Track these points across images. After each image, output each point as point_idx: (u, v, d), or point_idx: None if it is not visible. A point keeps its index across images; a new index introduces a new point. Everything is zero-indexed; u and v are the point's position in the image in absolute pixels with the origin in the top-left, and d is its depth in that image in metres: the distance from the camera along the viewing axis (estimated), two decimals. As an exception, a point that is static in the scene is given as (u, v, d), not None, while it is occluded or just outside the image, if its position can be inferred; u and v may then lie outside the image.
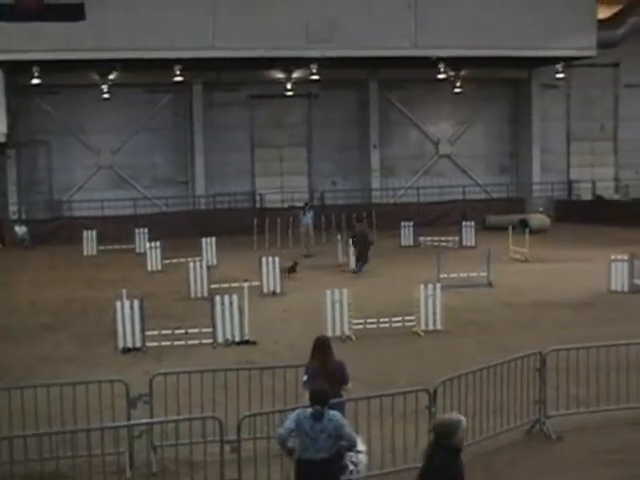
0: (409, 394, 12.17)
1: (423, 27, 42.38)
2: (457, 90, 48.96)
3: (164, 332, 20.17)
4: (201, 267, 27.07)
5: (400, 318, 21.20)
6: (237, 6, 40.53)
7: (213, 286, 26.16)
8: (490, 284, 27.15)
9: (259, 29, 40.36)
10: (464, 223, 38.77)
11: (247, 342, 19.97)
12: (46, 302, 26.30)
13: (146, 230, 38.22)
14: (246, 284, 21.19)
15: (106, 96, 45.22)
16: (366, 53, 42.47)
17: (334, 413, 9.99)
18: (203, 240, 34.23)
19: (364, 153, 50.42)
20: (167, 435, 12.46)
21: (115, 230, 41.00)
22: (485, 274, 27.38)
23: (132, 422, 12.14)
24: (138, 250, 37.31)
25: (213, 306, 20.01)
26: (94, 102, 45.66)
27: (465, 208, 46.06)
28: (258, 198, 48.67)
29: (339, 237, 34.21)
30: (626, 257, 26.19)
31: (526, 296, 25.56)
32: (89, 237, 39.17)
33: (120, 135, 47.46)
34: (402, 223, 39.44)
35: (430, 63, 44.86)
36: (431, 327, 21.04)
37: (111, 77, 44.89)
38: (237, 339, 20.02)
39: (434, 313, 21.13)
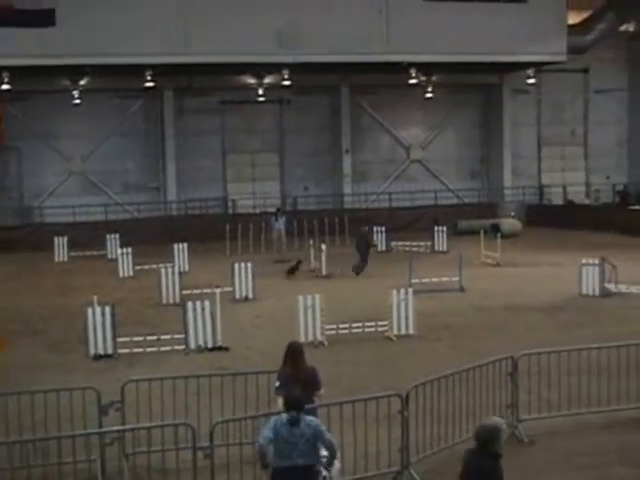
0: (382, 399, 12.18)
1: (394, 32, 42.48)
2: (428, 95, 49.06)
3: (136, 339, 20.08)
4: (173, 273, 26.95)
5: (373, 323, 21.22)
6: (208, 11, 40.47)
7: (185, 292, 26.07)
8: (462, 289, 27.21)
9: (230, 34, 40.30)
10: (436, 228, 38.84)
11: (219, 348, 19.92)
12: (16, 309, 26.11)
13: (117, 236, 38.05)
14: (218, 290, 21.12)
15: (77, 102, 44.98)
16: (337, 58, 42.50)
17: (312, 419, 9.98)
18: (175, 246, 34.10)
19: (336, 158, 50.46)
20: (139, 442, 12.41)
21: (86, 236, 40.78)
22: (457, 279, 27.45)
23: (104, 429, 12.08)
24: (109, 256, 37.15)
25: (185, 312, 19.95)
26: (65, 108, 45.42)
27: (437, 213, 46.20)
28: (230, 204, 48.61)
29: (311, 242, 34.19)
30: (597, 261, 26.33)
31: (498, 300, 25.65)
32: (60, 243, 38.93)
33: (91, 141, 47.26)
34: (374, 228, 39.46)
35: (401, 68, 44.94)
36: (403, 332, 21.06)
37: (82, 83, 44.67)
38: (209, 345, 19.96)
39: (406, 318, 21.15)
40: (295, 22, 41.06)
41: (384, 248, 38.71)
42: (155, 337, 20.15)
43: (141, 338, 20.14)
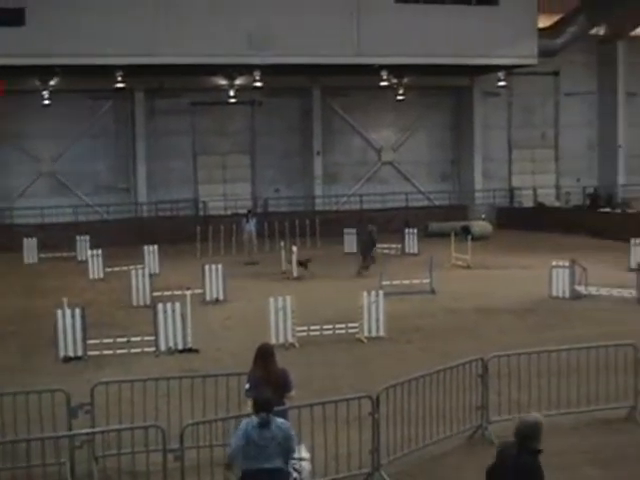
0: (352, 401, 12.17)
1: (365, 35, 42.52)
2: (400, 97, 49.11)
3: (106, 341, 20.00)
4: (143, 275, 26.86)
5: (343, 325, 21.24)
6: (179, 13, 40.34)
7: (155, 294, 25.96)
8: (433, 291, 27.27)
9: (201, 36, 40.19)
10: (407, 230, 38.90)
11: (190, 350, 19.88)
12: (-15, 311, 25.96)
13: (88, 238, 37.80)
14: (189, 292, 21.08)
15: (47, 102, 44.71)
16: (309, 60, 42.47)
17: (283, 421, 9.95)
18: (145, 248, 33.98)
19: (307, 160, 50.46)
20: (109, 445, 12.37)
21: (56, 237, 40.49)
22: (428, 281, 27.50)
23: (73, 432, 12.01)
24: (79, 258, 36.92)
25: (155, 314, 19.89)
26: (35, 108, 45.13)
27: (407, 215, 46.24)
28: (201, 205, 48.50)
29: (282, 244, 34.17)
30: (567, 263, 26.47)
31: (468, 302, 25.72)
32: (29, 245, 38.70)
33: (61, 142, 46.98)
34: (345, 230, 39.48)
35: (373, 71, 45.02)
36: (374, 334, 21.08)
37: (52, 83, 44.40)
38: (180, 347, 19.91)
39: (377, 320, 21.18)
40: (266, 24, 40.98)
41: (354, 250, 38.68)
42: (125, 339, 20.07)
43: (111, 340, 20.05)
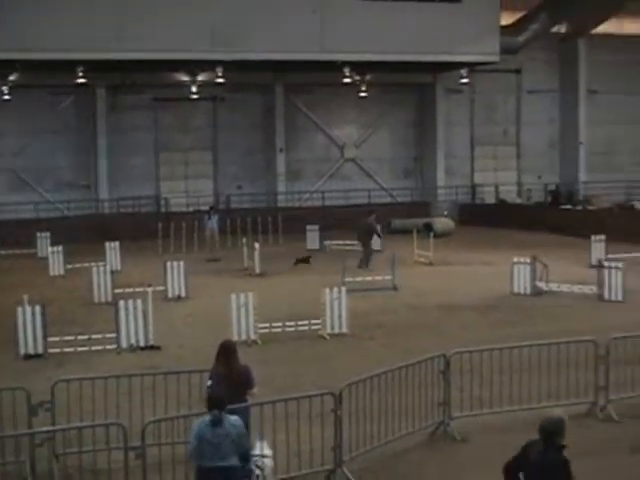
0: (314, 397, 12.18)
1: (329, 31, 42.49)
2: (362, 94, 49.15)
3: (67, 338, 19.89)
4: (105, 272, 26.69)
5: (306, 322, 21.24)
6: (141, 8, 40.10)
7: (117, 291, 25.83)
8: (395, 287, 27.32)
9: (163, 31, 39.97)
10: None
11: (152, 347, 19.80)
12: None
13: (48, 234, 37.47)
14: (150, 289, 20.97)
15: (7, 97, 44.31)
16: (272, 56, 42.40)
17: (236, 419, 9.92)
18: (107, 244, 33.77)
19: (270, 157, 50.38)
20: (70, 443, 12.29)
21: (16, 234, 40.12)
22: (390, 277, 27.55)
23: (34, 430, 11.93)
24: (40, 255, 36.60)
25: (117, 311, 19.80)
26: (-5, 104, 44.80)
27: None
28: (163, 202, 48.25)
29: (244, 241, 34.10)
30: (528, 260, 26.62)
31: (431, 299, 25.81)
32: (-11, 242, 38.39)
33: (22, 137, 46.51)
34: (308, 227, 39.47)
35: (336, 67, 45.00)
36: (337, 330, 21.10)
37: (12, 78, 44.01)
38: (141, 344, 19.83)
39: (340, 317, 21.19)
40: (229, 20, 40.86)
41: (317, 247, 38.73)
42: (86, 336, 19.98)
43: (72, 337, 19.95)
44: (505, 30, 46.80)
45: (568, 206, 48.27)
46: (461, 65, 47.71)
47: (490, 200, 52.60)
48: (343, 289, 21.77)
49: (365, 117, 52.02)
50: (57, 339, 19.68)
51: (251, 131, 50.25)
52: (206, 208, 41.27)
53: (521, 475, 8.43)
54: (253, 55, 41.76)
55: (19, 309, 19.28)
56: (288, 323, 21.18)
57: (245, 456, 9.96)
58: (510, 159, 55.36)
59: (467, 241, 40.69)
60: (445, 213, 48.07)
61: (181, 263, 27.03)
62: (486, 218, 47.69)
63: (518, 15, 49.91)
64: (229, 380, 11.49)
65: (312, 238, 39.15)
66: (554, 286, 26.46)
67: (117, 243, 33.86)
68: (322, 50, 42.64)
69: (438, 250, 34.11)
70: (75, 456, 12.05)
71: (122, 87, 47.27)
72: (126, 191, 47.46)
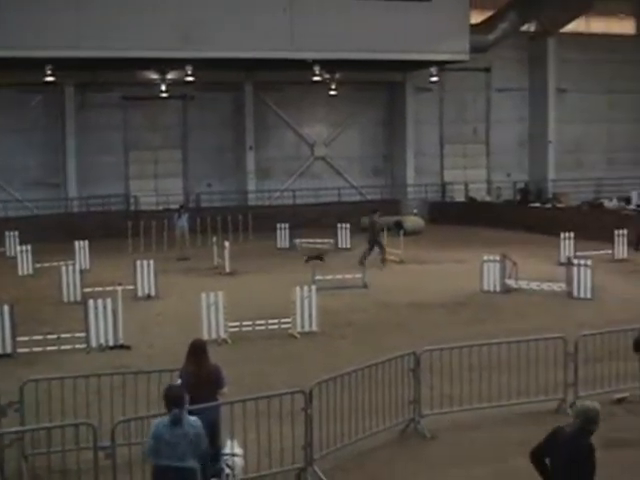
0: (285, 396, 12.16)
1: (299, 29, 42.43)
2: (332, 93, 49.18)
3: (36, 337, 19.76)
4: (74, 271, 26.57)
5: (276, 320, 21.23)
6: (110, 5, 39.84)
7: (86, 290, 25.67)
8: (365, 285, 27.35)
9: (133, 29, 39.77)
10: (339, 225, 38.97)
11: (121, 346, 19.73)
12: None
13: (17, 233, 37.25)
14: (120, 288, 20.89)
15: (-26, 96, 44.07)
16: (241, 55, 42.28)
17: (195, 419, 9.88)
18: (76, 243, 33.59)
19: (240, 155, 50.30)
20: (39, 443, 12.22)
21: (-16, 233, 39.88)
22: (360, 276, 27.59)
23: (2, 430, 11.82)
24: (8, 254, 36.38)
25: (86, 310, 19.71)
26: (-38, 102, 44.49)
27: (342, 213, 46.21)
28: (132, 201, 48.10)
29: (214, 239, 34.04)
30: (498, 258, 26.73)
31: (401, 297, 25.84)
32: (-43, 241, 38.11)
33: (-11, 136, 46.28)
34: (278, 225, 39.45)
35: (306, 65, 44.96)
36: (307, 329, 21.11)
37: (-21, 77, 43.75)
38: (111, 343, 19.75)
39: (310, 315, 21.20)
40: (199, 18, 40.71)
41: (287, 245, 38.73)
42: (55, 336, 19.86)
43: (41, 337, 19.82)
44: (475, 29, 46.94)
45: (537, 204, 48.49)
46: (431, 64, 47.76)
47: (460, 198, 52.76)
48: (313, 287, 21.80)
49: (335, 115, 52.05)
50: (26, 339, 19.56)
51: (221, 129, 50.16)
52: (176, 207, 41.16)
53: (547, 460, 8.73)
54: (223, 53, 41.65)
55: (-13, 309, 19.17)
56: (258, 322, 21.15)
57: (204, 457, 9.93)
58: (480, 157, 55.58)
59: (437, 239, 40.80)
60: (415, 211, 48.17)
61: (151, 262, 26.93)
62: (456, 216, 47.85)
63: (488, 14, 50.14)
64: (199, 379, 11.47)
65: (282, 236, 39.14)
66: (523, 284, 26.59)
67: (86, 242, 33.68)
68: (292, 48, 42.57)
69: (408, 248, 34.21)
70: (44, 456, 11.98)
71: (91, 85, 47.05)
72: (95, 190, 47.20)
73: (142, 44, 40.03)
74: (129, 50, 40.14)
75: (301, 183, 51.36)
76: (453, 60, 46.97)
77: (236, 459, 11.30)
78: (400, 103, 52.46)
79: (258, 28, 41.47)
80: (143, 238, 37.70)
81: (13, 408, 12.15)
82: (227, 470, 11.11)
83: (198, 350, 11.93)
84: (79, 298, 25.05)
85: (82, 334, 19.71)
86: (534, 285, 26.47)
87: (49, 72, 42.81)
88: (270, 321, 21.22)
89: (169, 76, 46.69)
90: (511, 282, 26.61)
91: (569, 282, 25.57)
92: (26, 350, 19.20)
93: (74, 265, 27.67)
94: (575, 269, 25.55)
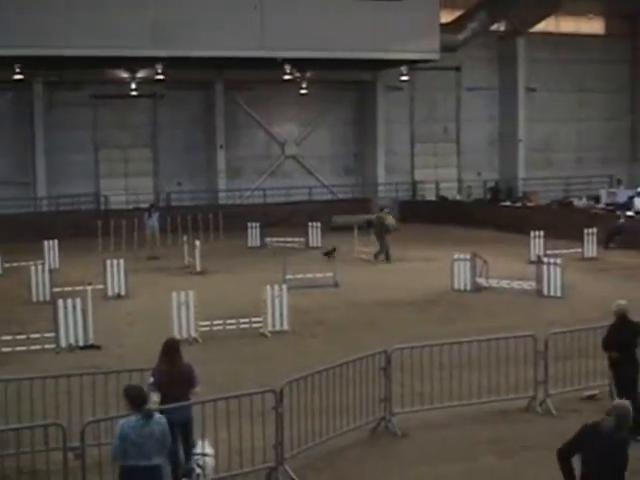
0: (255, 395, 12.15)
1: (269, 28, 42.35)
2: (303, 91, 49.15)
3: (5, 338, 19.63)
4: (43, 270, 26.43)
5: (247, 319, 21.20)
6: (79, 3, 39.64)
7: (56, 290, 25.51)
8: (336, 284, 27.36)
9: (102, 27, 39.51)
10: (310, 224, 38.93)
11: (91, 346, 19.65)
12: None
13: (-15, 233, 37.07)
14: (90, 287, 20.81)
15: (-58, 94, 43.69)
16: (212, 53, 42.15)
17: (160, 417, 9.88)
18: (45, 243, 33.37)
19: (210, 154, 50.16)
20: (8, 444, 12.12)
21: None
22: (331, 274, 27.59)
23: (-30, 432, 11.77)
24: (-23, 253, 36.18)
25: (56, 310, 19.60)
26: None
27: (312, 212, 46.23)
28: (102, 200, 47.88)
29: (185, 239, 33.94)
30: (468, 256, 26.81)
31: (372, 295, 25.86)
32: None
33: (-42, 135, 45.95)
34: (249, 224, 39.36)
35: (276, 64, 44.90)
36: (278, 328, 21.10)
37: (-53, 75, 43.40)
38: (81, 343, 19.66)
39: (281, 314, 21.19)
40: (169, 16, 40.57)
41: (258, 244, 38.67)
42: (25, 336, 19.75)
43: (10, 337, 19.69)
44: (445, 28, 47.06)
45: (507, 203, 48.67)
46: (401, 63, 47.83)
47: (430, 197, 52.83)
48: (284, 286, 21.79)
49: (306, 114, 52.02)
50: (-6, 339, 19.46)
51: (191, 128, 50.00)
52: (146, 206, 40.98)
53: (573, 460, 9.00)
54: (193, 52, 41.50)
55: (-45, 309, 19.05)
56: (229, 321, 21.12)
57: (174, 455, 9.91)
58: (450, 156, 55.70)
59: (408, 238, 40.72)
60: (388, 210, 48.13)
61: (121, 261, 26.83)
62: (426, 215, 47.94)
63: (458, 13, 50.29)
64: (172, 378, 11.46)
65: (253, 235, 39.07)
66: (494, 282, 26.69)
67: (56, 241, 33.46)
68: (262, 47, 42.49)
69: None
70: (13, 458, 11.90)
71: (60, 84, 46.77)
72: (65, 189, 46.93)
73: (112, 42, 39.77)
74: (98, 48, 39.90)
75: (272, 182, 51.29)
76: (423, 59, 47.08)
77: (207, 459, 11.28)
78: (371, 102, 52.50)
79: (229, 27, 41.38)
80: (113, 237, 37.52)
81: (-19, 409, 12.09)
82: (198, 470, 11.08)
83: (171, 349, 11.91)
84: (48, 298, 24.87)
85: (52, 334, 19.60)
86: (504, 283, 26.59)
87: (18, 70, 42.56)
88: (241, 320, 21.19)
89: (139, 74, 46.49)
90: (481, 281, 26.70)
91: (539, 280, 25.69)
92: (-5, 350, 19.10)
93: (43, 265, 27.51)
94: (545, 267, 25.67)
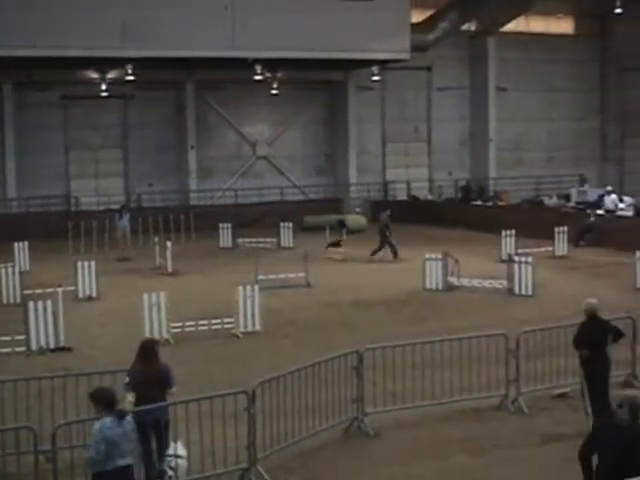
0: (228, 396, 12.13)
1: (240, 28, 42.27)
2: (274, 92, 49.13)
3: (-26, 340, 19.53)
4: (13, 272, 26.26)
5: (219, 320, 21.16)
6: (48, 3, 39.41)
7: (26, 292, 25.34)
8: (308, 284, 27.35)
9: (72, 27, 39.30)
10: (282, 224, 38.91)
11: (62, 349, 19.54)
12: None
13: (-45, 235, 36.78)
14: (60, 289, 20.70)
15: None
16: (182, 53, 42.07)
17: (129, 416, 9.87)
18: (15, 245, 33.14)
19: (181, 154, 50.04)
20: (-22, 447, 12.05)
21: None
22: (303, 274, 27.58)
23: (-60, 435, 11.69)
24: (-53, 256, 35.91)
25: (26, 312, 19.49)
26: None
27: (283, 209, 46.25)
28: (73, 201, 47.63)
29: (156, 240, 33.83)
30: (439, 256, 26.87)
31: (344, 295, 25.88)
32: None
33: None
34: (220, 225, 39.27)
35: (247, 64, 44.84)
36: (250, 328, 21.07)
37: None
38: (52, 346, 19.55)
39: (253, 315, 21.16)
40: (139, 16, 40.39)
41: (230, 245, 38.59)
42: (-6, 339, 19.62)
43: (-20, 340, 19.58)
44: (415, 28, 47.15)
45: (478, 202, 48.79)
46: (372, 62, 47.90)
47: (402, 197, 52.91)
48: (256, 287, 21.77)
49: (277, 114, 51.98)
50: (-36, 342, 19.32)
51: (162, 129, 49.85)
52: (117, 207, 40.86)
53: (593, 459, 8.96)
54: (163, 52, 41.40)
55: None
56: (201, 322, 21.07)
57: (145, 455, 9.90)
58: (421, 156, 55.83)
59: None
60: (358, 210, 48.27)
61: (92, 263, 26.69)
62: (398, 215, 47.83)
63: (428, 13, 50.43)
64: (148, 378, 11.42)
65: (225, 236, 39.00)
66: (465, 281, 26.77)
67: (26, 243, 33.24)
68: (233, 47, 42.42)
69: (351, 247, 34.25)
70: (-16, 461, 11.84)
71: (30, 84, 46.50)
72: (35, 190, 46.63)
73: (82, 43, 39.55)
74: (67, 49, 39.69)
75: (243, 182, 51.22)
76: (394, 59, 47.17)
77: (180, 461, 11.25)
78: (342, 102, 52.54)
79: (199, 27, 41.29)
80: (84, 239, 37.30)
81: (-49, 412, 12.01)
82: (170, 472, 11.05)
83: (147, 350, 11.89)
84: (19, 300, 24.76)
85: (22, 337, 19.47)
86: (476, 282, 26.66)
87: (-14, 71, 42.30)
88: (213, 321, 21.15)
89: (109, 75, 46.32)
90: (453, 280, 26.77)
91: (510, 279, 25.79)
92: (-35, 353, 18.97)
93: (13, 267, 27.28)
94: (516, 266, 25.77)
